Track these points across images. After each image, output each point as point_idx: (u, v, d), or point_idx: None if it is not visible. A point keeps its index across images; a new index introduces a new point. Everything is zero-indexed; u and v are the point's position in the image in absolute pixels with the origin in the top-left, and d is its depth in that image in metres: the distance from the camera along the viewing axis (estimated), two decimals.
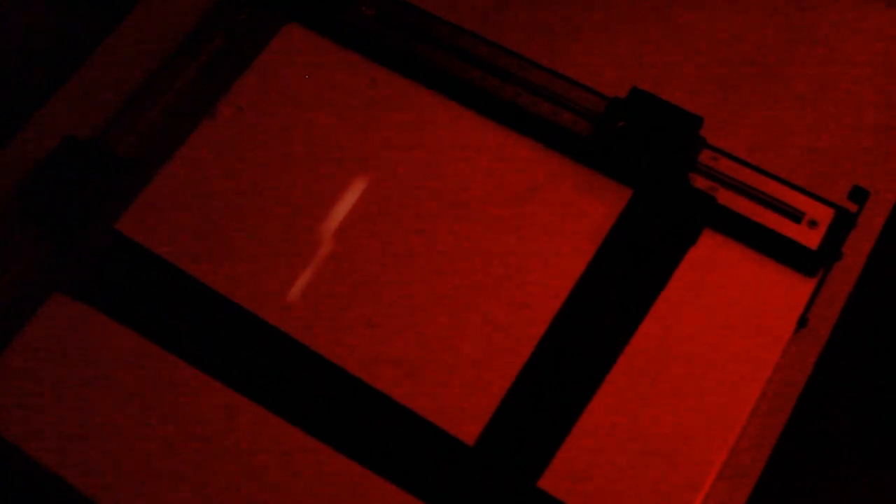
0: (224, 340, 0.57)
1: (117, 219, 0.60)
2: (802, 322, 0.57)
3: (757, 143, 0.62)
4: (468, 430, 0.54)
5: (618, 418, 0.54)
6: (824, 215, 0.58)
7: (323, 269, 0.59)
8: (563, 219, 0.59)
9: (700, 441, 0.53)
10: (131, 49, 0.68)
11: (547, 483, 0.53)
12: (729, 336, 0.56)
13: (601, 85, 0.62)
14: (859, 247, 0.60)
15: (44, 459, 0.54)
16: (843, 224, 0.58)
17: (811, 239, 0.57)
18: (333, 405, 0.55)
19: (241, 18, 0.68)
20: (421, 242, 0.59)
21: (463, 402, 0.55)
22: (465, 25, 0.65)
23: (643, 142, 0.59)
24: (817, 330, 0.58)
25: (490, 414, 0.54)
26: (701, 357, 0.55)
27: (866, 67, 0.66)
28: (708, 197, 0.58)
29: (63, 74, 0.67)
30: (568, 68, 0.63)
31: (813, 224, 0.57)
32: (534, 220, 0.59)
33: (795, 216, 0.58)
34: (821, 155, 0.62)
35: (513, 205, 0.60)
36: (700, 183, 0.59)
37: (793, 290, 0.57)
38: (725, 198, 0.58)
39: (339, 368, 0.56)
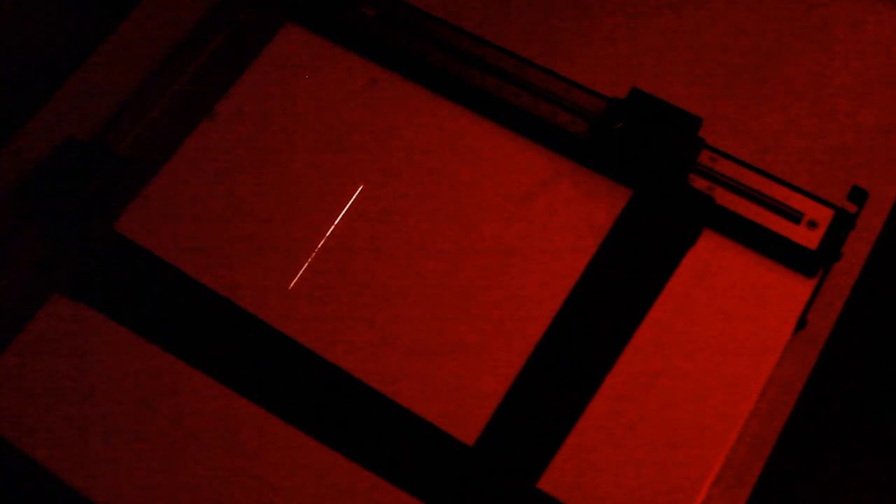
0: (224, 341, 0.57)
1: (117, 219, 0.60)
2: (802, 322, 0.57)
3: (756, 144, 0.62)
4: (468, 430, 0.54)
5: (618, 418, 0.54)
6: (823, 216, 0.58)
7: (323, 269, 0.59)
8: (562, 219, 0.59)
9: (700, 441, 0.53)
10: (131, 49, 0.68)
11: (547, 483, 0.53)
12: (729, 336, 0.56)
13: (600, 85, 0.62)
14: (859, 247, 0.60)
15: (44, 459, 0.55)
16: (842, 225, 0.58)
17: (810, 239, 0.57)
18: (333, 406, 0.55)
19: (241, 18, 0.68)
20: (420, 242, 0.59)
21: (463, 402, 0.55)
22: (465, 26, 0.65)
23: (642, 142, 0.59)
24: (817, 330, 0.58)
25: (490, 414, 0.54)
26: (700, 357, 0.55)
27: (866, 67, 0.66)
28: (707, 197, 0.58)
29: (63, 74, 0.68)
30: (567, 69, 0.63)
31: (812, 225, 0.57)
32: (533, 221, 0.59)
33: (795, 217, 0.58)
34: (820, 155, 0.62)
35: (512, 205, 0.60)
36: (699, 183, 0.59)
37: (792, 290, 0.57)
38: (725, 198, 0.58)
39: (339, 369, 0.56)
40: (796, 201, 0.58)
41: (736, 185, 0.59)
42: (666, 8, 0.68)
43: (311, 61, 0.65)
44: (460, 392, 0.55)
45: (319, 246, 0.59)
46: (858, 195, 0.60)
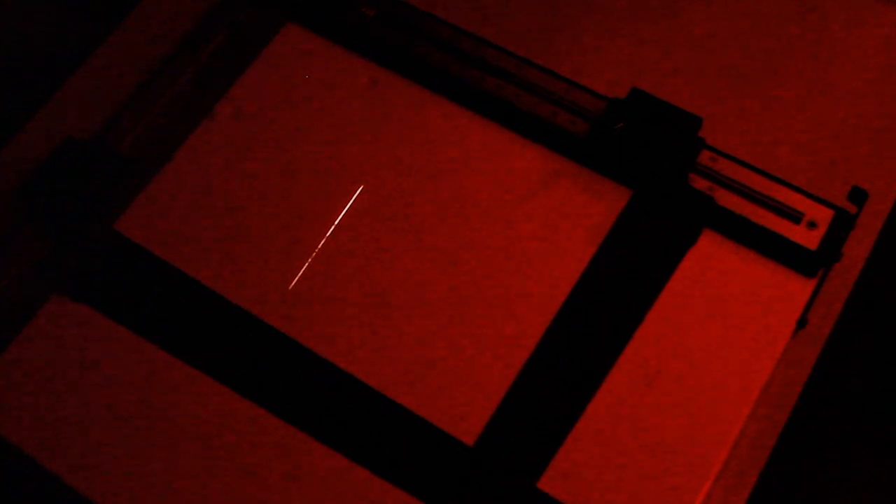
0: (224, 341, 0.57)
1: (117, 219, 0.60)
2: (802, 322, 0.57)
3: (756, 144, 0.63)
4: (468, 430, 0.54)
5: (618, 419, 0.54)
6: (824, 216, 0.58)
7: (323, 269, 0.59)
8: (562, 219, 0.59)
9: (700, 441, 0.53)
10: (131, 49, 0.68)
11: (547, 483, 0.53)
12: (729, 336, 0.56)
13: (600, 85, 0.62)
14: (859, 247, 0.60)
15: (44, 459, 0.55)
16: (842, 225, 0.58)
17: (811, 240, 0.57)
18: (333, 406, 0.55)
19: (241, 18, 0.68)
20: (420, 242, 0.59)
21: (463, 402, 0.55)
22: (465, 26, 0.65)
23: (642, 142, 0.59)
24: (817, 330, 0.58)
25: (490, 414, 0.54)
26: (701, 357, 0.55)
27: (866, 67, 0.66)
28: (707, 197, 0.58)
29: (63, 74, 0.68)
30: (567, 69, 0.63)
31: (812, 225, 0.57)
32: (533, 221, 0.59)
33: (795, 217, 0.58)
34: (820, 156, 0.62)
35: (512, 205, 0.60)
36: (699, 183, 0.59)
37: (792, 290, 0.57)
38: (725, 199, 0.58)
39: (339, 369, 0.56)
40: (796, 201, 0.58)
41: (736, 185, 0.59)
42: (666, 8, 0.68)
43: (311, 61, 0.65)
44: (460, 392, 0.55)
45: (319, 246, 0.59)
46: (858, 195, 0.60)
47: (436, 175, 0.61)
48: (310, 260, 0.59)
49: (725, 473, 0.54)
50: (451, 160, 0.61)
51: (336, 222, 0.60)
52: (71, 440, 0.55)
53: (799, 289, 0.57)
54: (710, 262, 0.58)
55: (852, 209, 0.59)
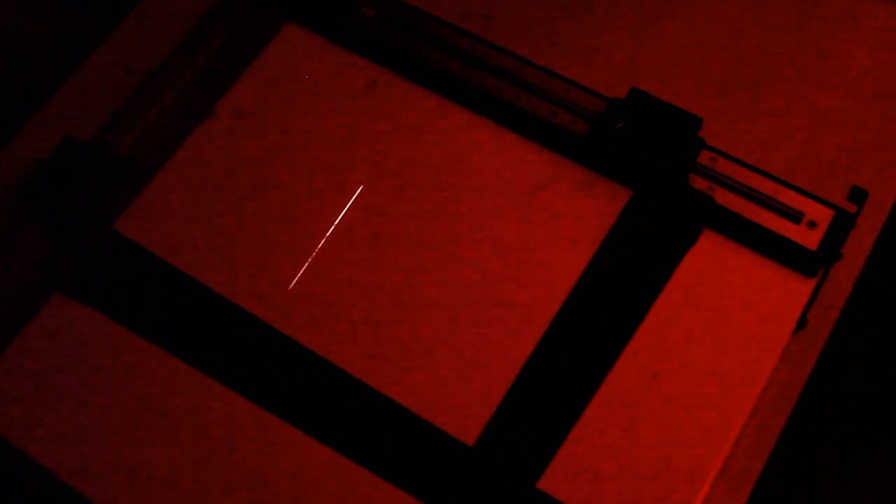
0: (224, 341, 0.57)
1: (117, 219, 0.60)
2: (802, 322, 0.57)
3: (756, 144, 0.63)
4: (468, 430, 0.54)
5: (617, 418, 0.54)
6: (824, 216, 0.58)
7: (323, 269, 0.59)
8: (562, 220, 0.59)
9: (700, 441, 0.53)
10: (131, 49, 0.68)
11: (547, 484, 0.53)
12: (729, 336, 0.56)
13: (600, 85, 0.62)
14: (859, 247, 0.60)
15: (44, 459, 0.55)
16: (842, 225, 0.58)
17: (811, 239, 0.57)
18: (333, 405, 0.55)
19: (241, 18, 0.68)
20: (420, 243, 0.59)
21: (463, 402, 0.55)
22: (465, 26, 0.65)
23: (642, 142, 0.59)
24: (817, 330, 0.58)
25: (490, 414, 0.54)
26: (700, 357, 0.55)
27: (866, 67, 0.66)
28: (707, 197, 0.58)
29: (63, 74, 0.68)
30: (567, 69, 0.63)
31: (812, 225, 0.57)
32: (533, 221, 0.59)
33: (795, 217, 0.58)
34: (820, 155, 0.62)
35: (512, 205, 0.60)
36: (699, 183, 0.59)
37: (792, 290, 0.57)
38: (725, 198, 0.58)
39: (339, 369, 0.56)
40: (796, 201, 0.58)
41: (736, 185, 0.59)
42: (666, 8, 0.68)
43: (311, 61, 0.65)
44: (460, 392, 0.55)
45: (319, 246, 0.59)
46: (858, 195, 0.60)
47: (435, 175, 0.61)
48: (310, 260, 0.59)
49: (725, 473, 0.54)
50: (451, 160, 0.61)
51: (336, 222, 0.60)
52: (71, 440, 0.55)
53: (799, 289, 0.57)
54: (710, 262, 0.58)
55: (852, 209, 0.59)
